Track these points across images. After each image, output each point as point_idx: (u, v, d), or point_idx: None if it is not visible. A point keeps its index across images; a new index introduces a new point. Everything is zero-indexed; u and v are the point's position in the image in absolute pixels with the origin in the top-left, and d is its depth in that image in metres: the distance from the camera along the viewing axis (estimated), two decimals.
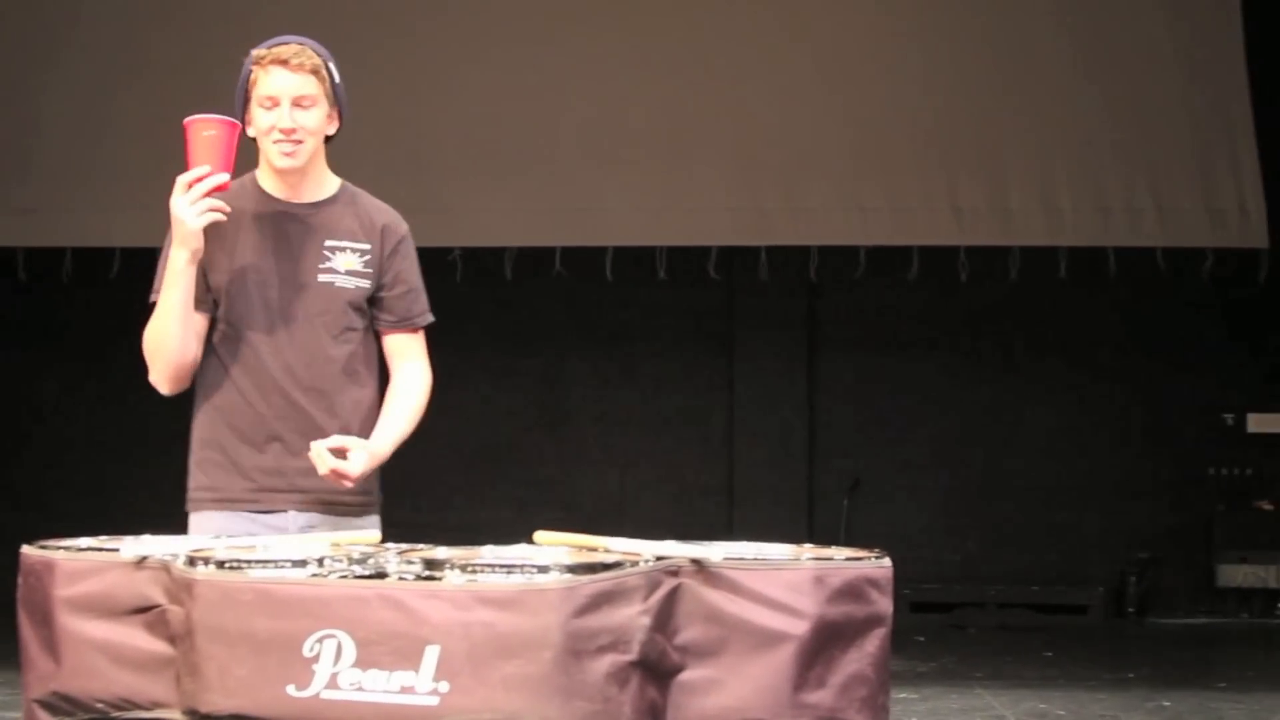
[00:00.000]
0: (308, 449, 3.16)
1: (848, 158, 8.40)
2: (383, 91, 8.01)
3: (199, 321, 3.23)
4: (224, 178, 3.12)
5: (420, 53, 8.47)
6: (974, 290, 8.98)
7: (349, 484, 3.15)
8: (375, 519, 3.33)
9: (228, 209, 3.16)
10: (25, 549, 2.59)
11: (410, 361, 3.37)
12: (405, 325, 3.36)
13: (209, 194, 3.12)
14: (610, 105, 8.46)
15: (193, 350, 3.23)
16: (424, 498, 8.52)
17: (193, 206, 3.12)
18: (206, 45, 7.61)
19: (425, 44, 8.47)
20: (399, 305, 3.34)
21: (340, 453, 3.14)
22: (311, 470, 3.16)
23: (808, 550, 2.57)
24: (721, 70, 8.42)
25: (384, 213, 3.38)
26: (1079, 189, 8.27)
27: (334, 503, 3.25)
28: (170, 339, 3.18)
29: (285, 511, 3.23)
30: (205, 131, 3.12)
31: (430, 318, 3.41)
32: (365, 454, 3.18)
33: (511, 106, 8.47)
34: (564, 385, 9.69)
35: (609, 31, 8.49)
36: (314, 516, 3.23)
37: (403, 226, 3.38)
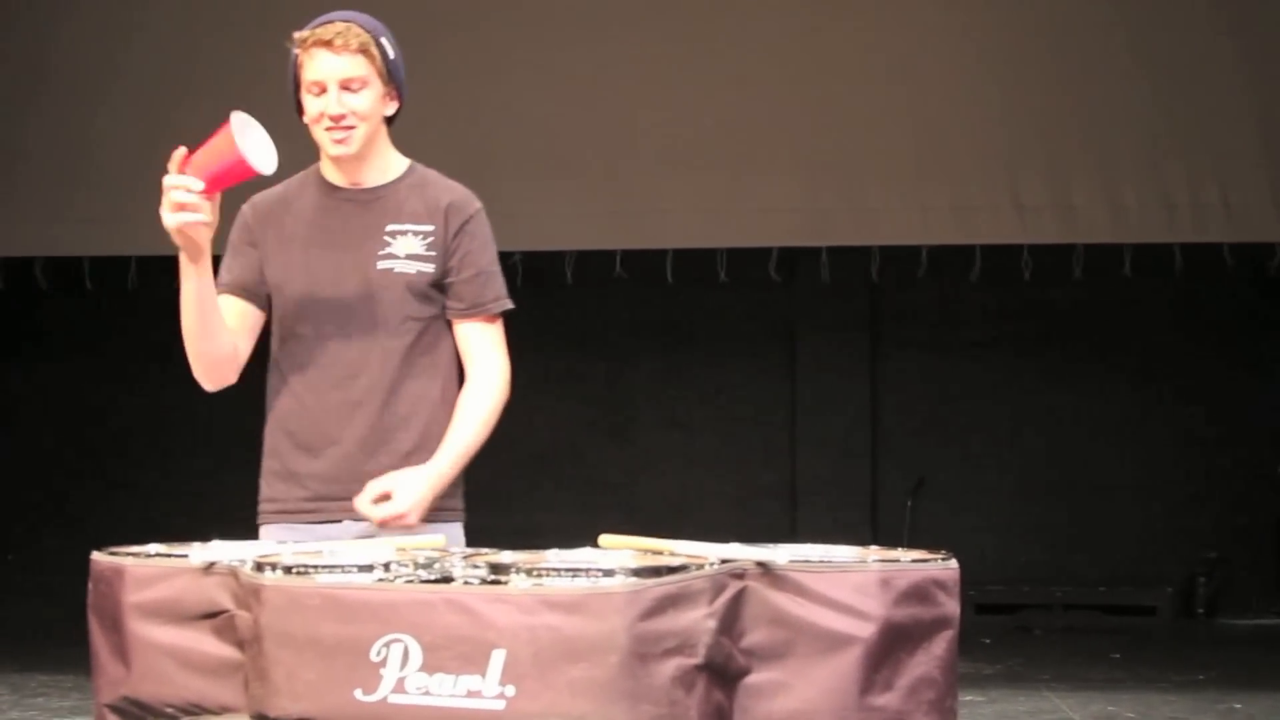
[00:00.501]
0: (365, 451, 3.03)
1: (909, 157, 8.35)
2: (442, 95, 8.04)
3: (241, 315, 3.09)
4: (197, 185, 2.90)
5: (480, 56, 8.49)
6: (1037, 289, 8.92)
7: (411, 523, 2.95)
8: (454, 528, 3.10)
9: (205, 220, 2.90)
10: (95, 555, 2.61)
11: (482, 355, 3.10)
12: (475, 312, 3.09)
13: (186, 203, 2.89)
14: (670, 108, 8.46)
15: (220, 343, 3.03)
16: (487, 502, 8.51)
17: (165, 209, 2.92)
18: (263, 54, 7.68)
19: (485, 47, 8.49)
20: (467, 290, 3.08)
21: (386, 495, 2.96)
22: (370, 476, 3.01)
23: (874, 552, 2.55)
24: (781, 71, 8.40)
25: (451, 191, 3.13)
26: (1143, 185, 8.19)
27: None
28: (189, 334, 3.02)
29: (340, 522, 3.06)
30: (221, 140, 2.90)
31: (506, 304, 3.14)
32: (417, 484, 2.98)
33: (571, 110, 8.48)
34: (626, 388, 9.70)
35: (668, 34, 8.49)
36: (373, 527, 3.01)
37: (472, 205, 3.12)
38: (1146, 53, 8.21)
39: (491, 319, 3.12)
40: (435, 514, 3.08)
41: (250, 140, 2.90)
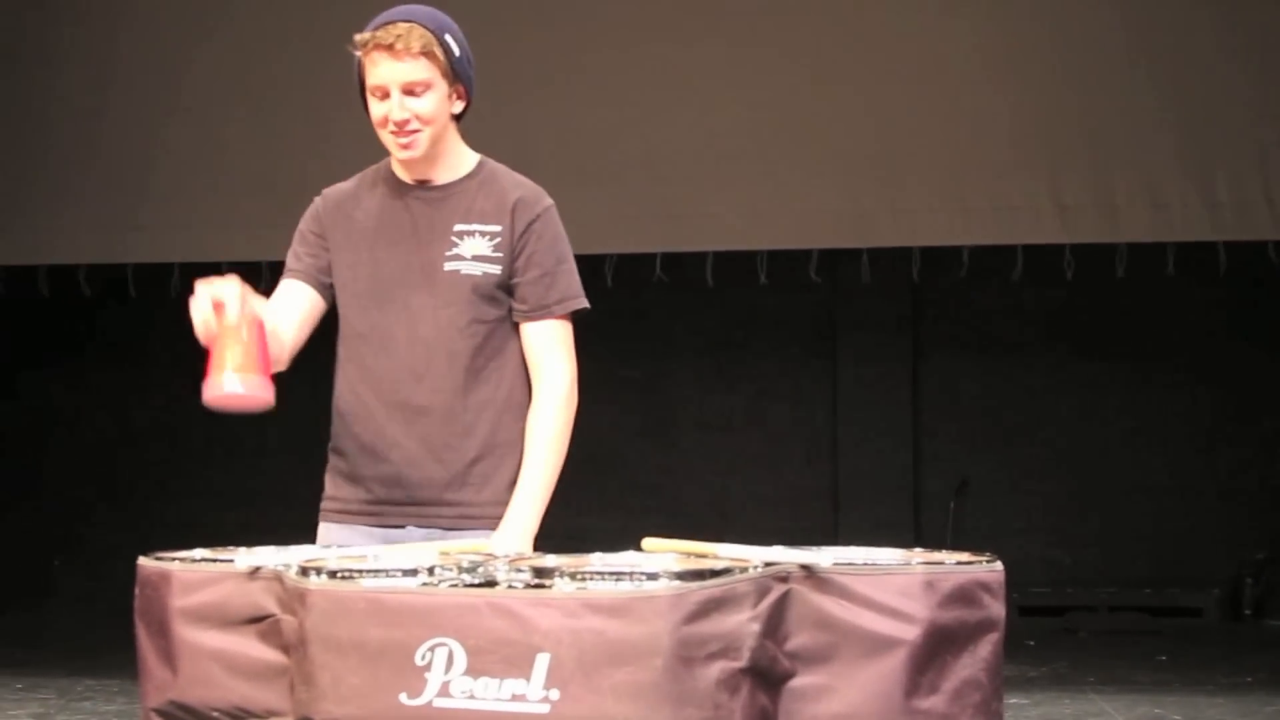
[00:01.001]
0: (429, 457, 3.00)
1: (949, 157, 8.32)
2: (482, 99, 8.05)
3: (305, 302, 3.03)
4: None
5: (520, 61, 8.50)
6: (1080, 288, 8.87)
7: None
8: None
9: (209, 331, 2.72)
10: (142, 560, 2.62)
11: (545, 361, 3.05)
12: (539, 314, 3.04)
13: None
14: (710, 110, 8.45)
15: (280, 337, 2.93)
16: None
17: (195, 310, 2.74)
18: (317, 67, 7.73)
19: (524, 52, 8.51)
20: (531, 292, 3.03)
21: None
22: (431, 481, 3.00)
23: (918, 554, 2.55)
24: (820, 71, 8.38)
25: (519, 188, 3.08)
26: (1187, 183, 8.14)
27: (461, 517, 3.02)
28: None
29: (404, 527, 3.03)
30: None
31: (575, 304, 3.09)
32: (511, 546, 2.89)
33: (610, 113, 8.49)
34: (666, 391, 9.70)
35: (706, 36, 8.48)
36: (436, 533, 2.99)
37: (540, 203, 3.07)
38: (1189, 50, 8.16)
39: (558, 320, 3.07)
40: (476, 520, 3.05)
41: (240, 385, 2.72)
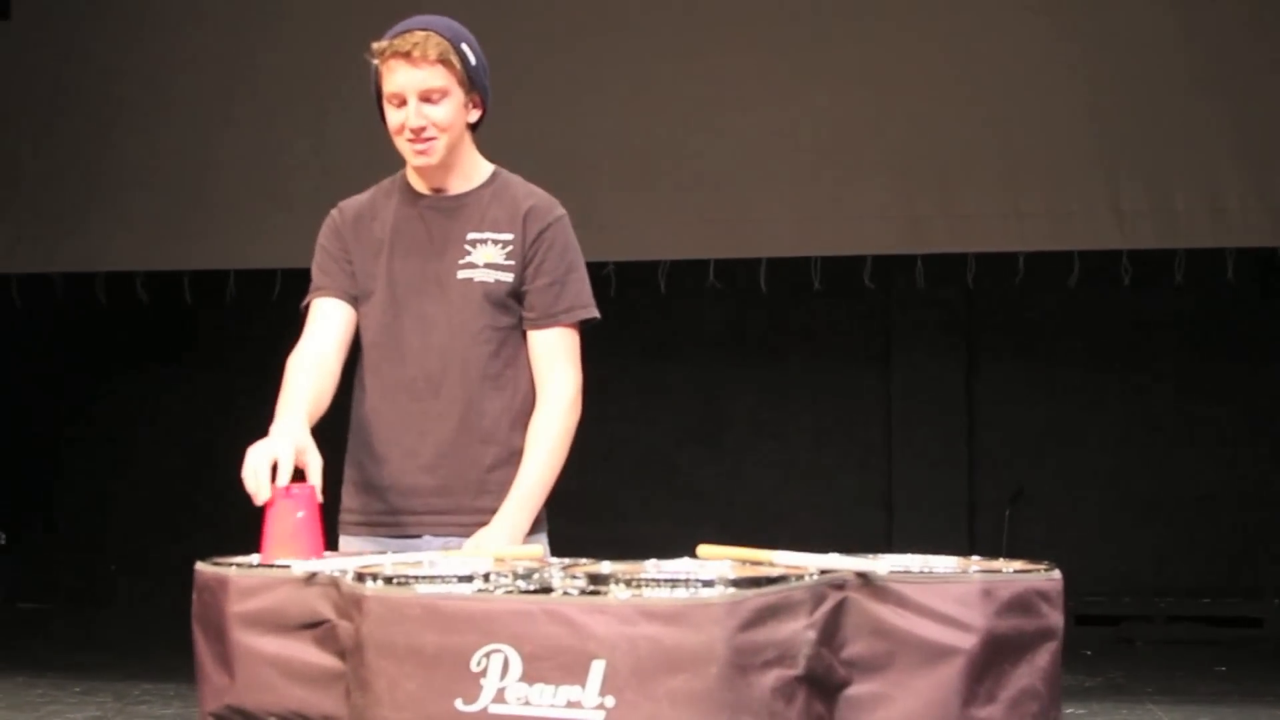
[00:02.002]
0: (445, 465, 3.00)
1: (1004, 162, 8.28)
2: (537, 106, 8.09)
3: (343, 319, 3.04)
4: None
5: (575, 67, 8.53)
6: (1137, 295, 8.81)
7: None
8: (539, 537, 3.05)
9: (259, 498, 2.69)
10: (199, 565, 2.63)
11: (549, 369, 3.03)
12: (546, 322, 3.03)
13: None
14: (763, 116, 8.44)
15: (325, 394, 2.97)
16: (581, 511, 8.55)
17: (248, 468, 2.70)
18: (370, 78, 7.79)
19: (579, 59, 8.53)
20: (539, 300, 3.02)
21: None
22: (448, 488, 3.00)
23: (975, 562, 2.52)
24: (874, 78, 8.36)
25: (531, 197, 3.07)
26: (1246, 188, 8.06)
27: (479, 524, 2.99)
28: None
29: (420, 536, 3.02)
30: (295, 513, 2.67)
31: (583, 314, 3.07)
32: (495, 544, 2.89)
33: (664, 119, 8.49)
34: (720, 397, 9.69)
35: (761, 44, 8.48)
36: (452, 540, 2.99)
37: (552, 212, 3.06)
38: (1247, 53, 8.09)
39: (565, 329, 3.05)
40: None
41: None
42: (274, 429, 2.79)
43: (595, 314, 3.09)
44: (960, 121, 8.29)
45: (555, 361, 3.04)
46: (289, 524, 2.67)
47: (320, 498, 2.70)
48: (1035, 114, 8.23)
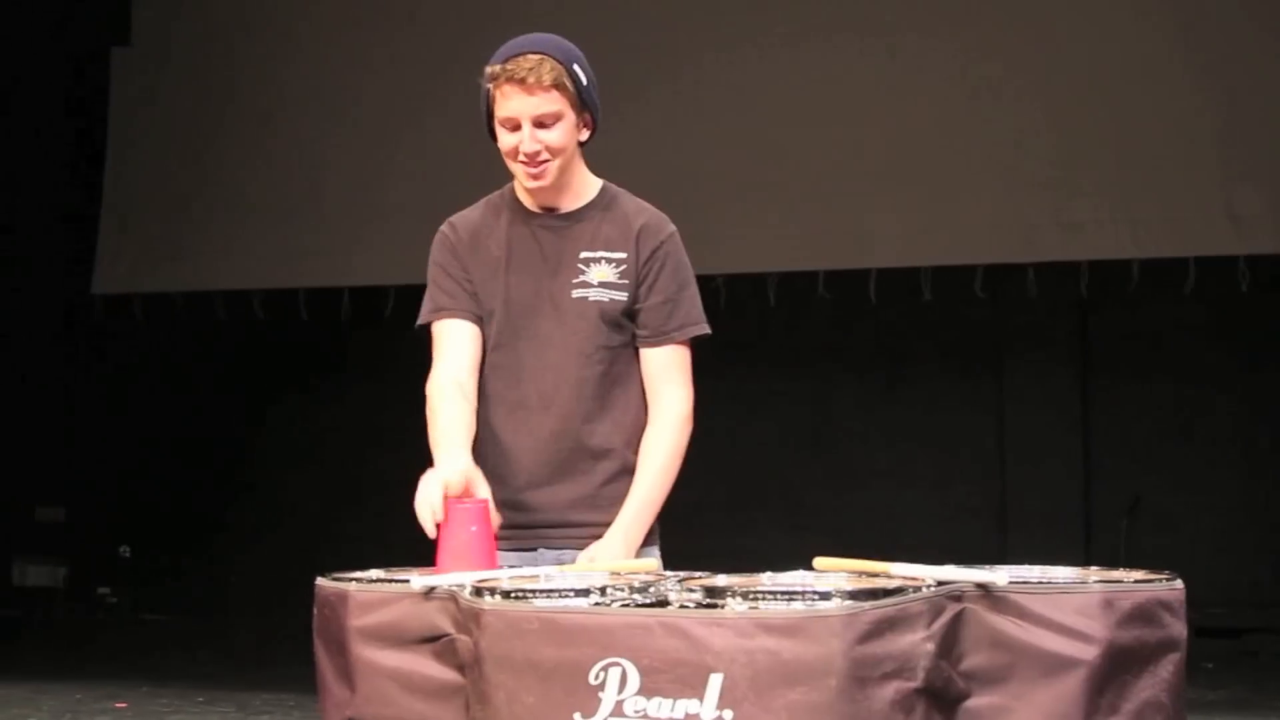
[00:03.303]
0: (560, 481, 3.02)
1: (1116, 169, 8.19)
2: (646, 120, 8.12)
3: (474, 338, 3.06)
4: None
5: (683, 82, 8.55)
6: (1255, 300, 8.64)
7: None
8: (651, 550, 3.05)
9: (430, 528, 2.75)
10: (320, 580, 2.66)
11: (662, 386, 3.04)
12: (659, 340, 3.03)
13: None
14: (871, 127, 8.41)
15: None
16: (692, 524, 8.55)
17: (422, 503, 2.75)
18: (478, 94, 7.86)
19: (688, 74, 8.56)
20: (652, 318, 3.03)
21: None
22: (562, 504, 3.02)
23: (1095, 573, 2.49)
24: (984, 87, 8.30)
25: (642, 214, 3.07)
26: None
27: (593, 537, 3.01)
28: None
29: (535, 550, 3.04)
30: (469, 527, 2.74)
31: (695, 330, 3.07)
32: (612, 549, 2.93)
33: (772, 132, 8.49)
34: (831, 409, 9.65)
35: (868, 55, 8.45)
36: (566, 553, 3.01)
37: (664, 230, 3.06)
38: None
39: (677, 346, 3.06)
40: None
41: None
42: (440, 461, 2.85)
43: (706, 330, 3.09)
44: (1071, 128, 8.21)
45: (668, 379, 3.05)
46: (463, 538, 2.72)
47: (496, 515, 2.78)
48: (1147, 119, 8.12)
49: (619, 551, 2.97)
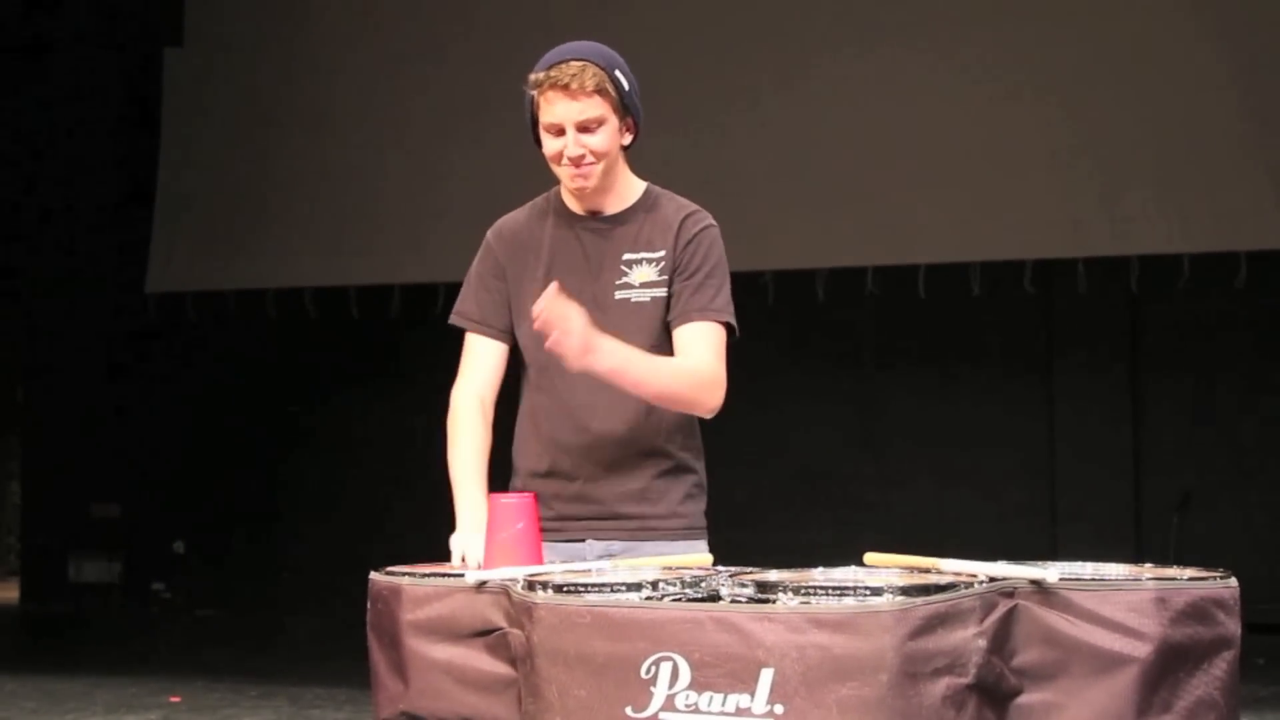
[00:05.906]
0: (607, 477, 3.05)
1: (1166, 163, 8.13)
2: (693, 118, 8.12)
3: (492, 354, 3.12)
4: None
5: (730, 79, 8.55)
6: None
7: (545, 331, 2.85)
8: (699, 544, 3.08)
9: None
10: (374, 575, 2.69)
11: (692, 353, 3.00)
12: (686, 317, 3.03)
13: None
14: (920, 123, 8.39)
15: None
16: (744, 519, 8.56)
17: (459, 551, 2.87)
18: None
19: (735, 70, 8.55)
20: (682, 297, 3.03)
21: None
22: (612, 497, 3.05)
23: (1148, 570, 2.48)
24: (1031, 81, 8.26)
25: (682, 210, 3.11)
26: None
27: (640, 529, 3.05)
28: None
29: (583, 540, 3.06)
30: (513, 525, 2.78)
31: (724, 315, 3.04)
32: (583, 326, 2.85)
33: (821, 128, 8.48)
34: (880, 404, 9.62)
35: (916, 50, 8.43)
36: (614, 544, 3.05)
37: (701, 222, 3.08)
38: None
39: (707, 322, 3.03)
40: (654, 533, 3.09)
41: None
42: (463, 521, 2.95)
43: (733, 322, 3.07)
44: (1120, 122, 8.16)
45: (697, 346, 3.02)
46: (509, 534, 2.74)
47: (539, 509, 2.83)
48: (1197, 113, 8.07)
49: (611, 345, 2.91)
